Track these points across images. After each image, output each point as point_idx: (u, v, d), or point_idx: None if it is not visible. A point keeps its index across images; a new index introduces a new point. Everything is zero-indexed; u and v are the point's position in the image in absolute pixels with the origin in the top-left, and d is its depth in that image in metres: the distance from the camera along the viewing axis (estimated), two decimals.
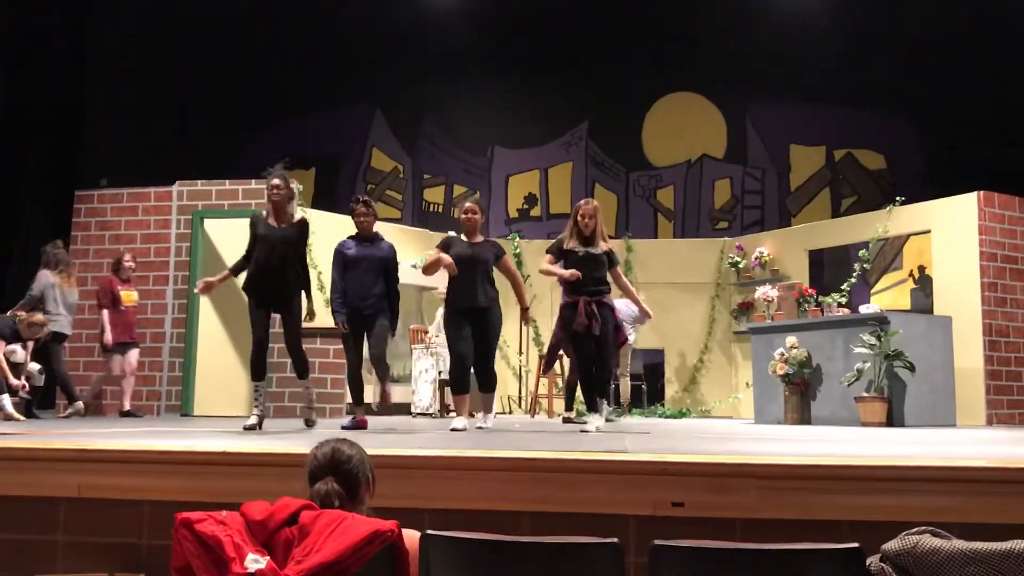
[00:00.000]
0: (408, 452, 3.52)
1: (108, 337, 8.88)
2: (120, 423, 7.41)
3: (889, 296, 12.37)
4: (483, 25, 13.95)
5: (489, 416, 6.76)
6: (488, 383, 6.72)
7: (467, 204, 6.86)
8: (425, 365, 10.41)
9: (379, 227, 10.78)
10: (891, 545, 2.25)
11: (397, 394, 9.96)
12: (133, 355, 9.13)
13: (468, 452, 3.53)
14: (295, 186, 6.93)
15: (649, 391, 11.82)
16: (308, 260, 10.11)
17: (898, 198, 10.77)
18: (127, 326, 9.03)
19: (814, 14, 13.23)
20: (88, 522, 3.54)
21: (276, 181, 6.49)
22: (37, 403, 8.73)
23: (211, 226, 10.33)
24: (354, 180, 14.70)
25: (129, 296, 9.08)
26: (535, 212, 14.46)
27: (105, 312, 8.93)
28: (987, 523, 3.00)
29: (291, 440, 4.39)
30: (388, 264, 6.82)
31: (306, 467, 2.50)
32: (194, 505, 2.66)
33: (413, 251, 10.91)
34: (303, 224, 6.61)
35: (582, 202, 6.58)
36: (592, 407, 6.45)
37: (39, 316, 8.47)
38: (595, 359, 6.31)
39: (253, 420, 6.24)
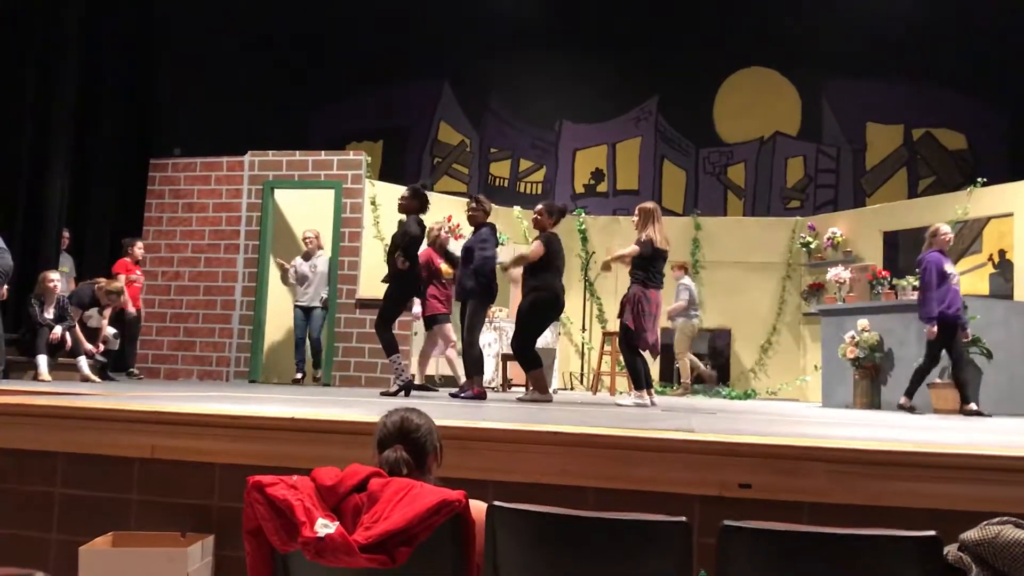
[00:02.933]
0: (474, 424, 3.52)
1: (416, 310, 8.78)
2: (193, 387, 7.59)
3: (967, 280, 12.00)
4: None
5: (529, 391, 7.28)
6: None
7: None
8: (488, 339, 10.44)
9: (444, 201, 10.92)
10: (971, 535, 2.18)
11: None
12: (448, 327, 8.91)
13: (534, 426, 3.53)
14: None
15: (715, 371, 11.70)
16: (376, 234, 10.23)
17: (979, 179, 10.44)
18: (448, 298, 8.82)
19: None
20: (161, 482, 3.63)
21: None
22: (112, 366, 8.98)
23: (281, 196, 10.48)
24: (421, 153, 14.77)
25: (448, 270, 8.87)
26: (601, 188, 14.34)
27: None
28: None
29: (360, 408, 4.44)
30: (463, 252, 7.47)
31: (375, 435, 2.52)
32: (264, 469, 2.70)
33: None
34: (401, 225, 7.40)
35: None
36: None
37: (117, 284, 8.69)
38: None
39: (394, 387, 7.15)
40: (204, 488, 3.59)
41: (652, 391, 7.21)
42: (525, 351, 7.16)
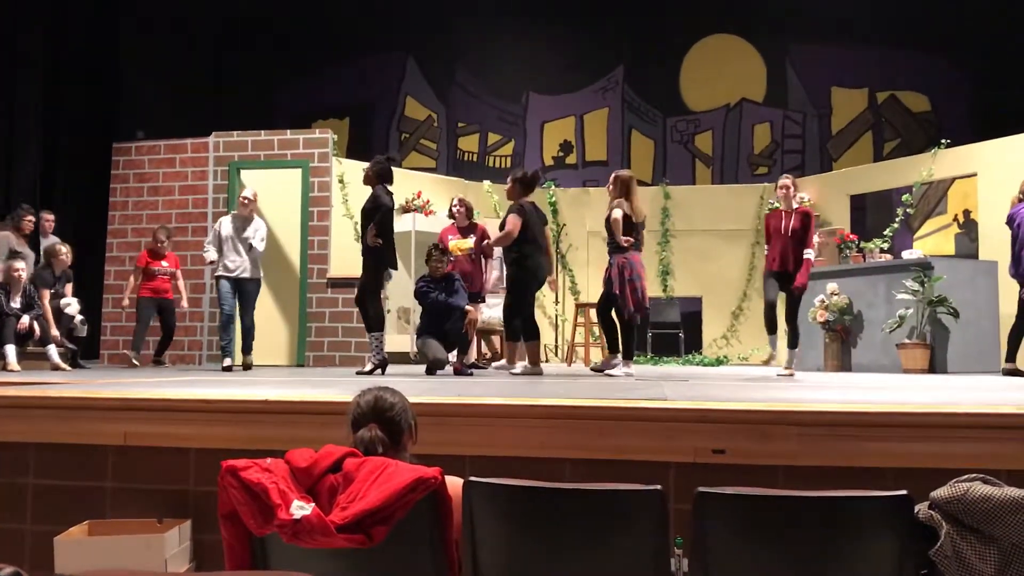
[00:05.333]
0: (449, 400, 3.53)
1: None
2: (166, 372, 7.53)
3: (933, 241, 12.16)
4: None
5: (519, 364, 7.29)
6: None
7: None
8: None
9: (413, 177, 10.90)
10: (941, 492, 2.22)
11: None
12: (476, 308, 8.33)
13: (508, 400, 3.54)
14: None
15: (686, 339, 11.78)
16: (346, 212, 10.13)
17: (943, 141, 10.53)
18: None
19: None
20: (135, 469, 3.60)
21: None
22: (82, 354, 8.89)
23: (247, 177, 10.36)
24: (388, 129, 14.65)
25: (457, 246, 8.44)
26: (570, 160, 14.31)
27: None
28: None
29: (333, 388, 4.43)
30: None
31: (349, 415, 2.51)
32: (239, 452, 2.69)
33: (447, 200, 10.86)
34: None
35: None
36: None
37: (62, 247, 8.57)
38: None
39: (369, 366, 7.20)
40: (179, 473, 3.58)
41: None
42: (511, 321, 7.33)
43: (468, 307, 7.55)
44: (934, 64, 12.99)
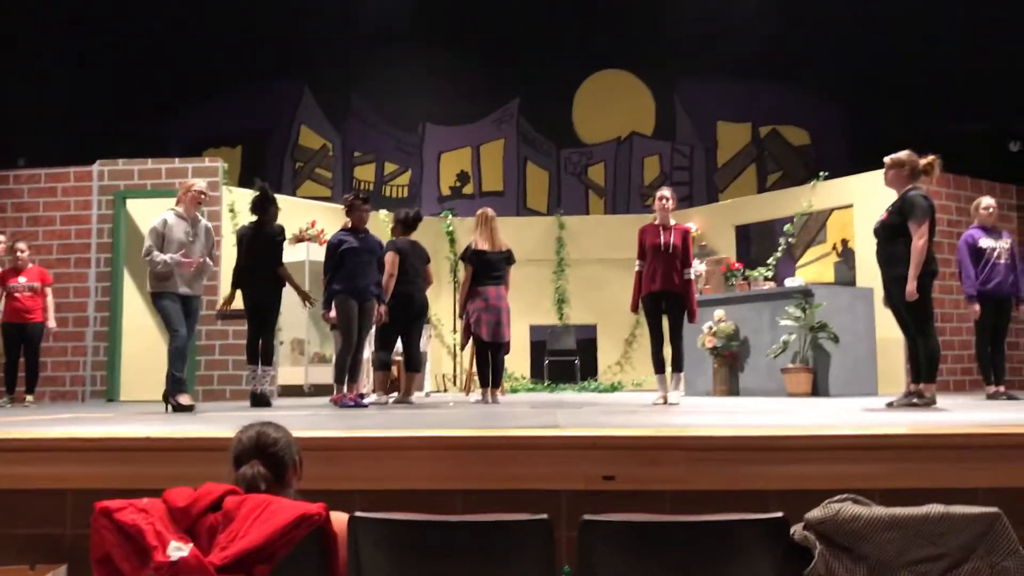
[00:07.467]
0: (336, 433, 3.47)
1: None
2: (45, 410, 7.20)
3: (814, 269, 12.64)
4: None
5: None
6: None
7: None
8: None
9: (307, 206, 10.82)
10: (814, 513, 2.30)
11: (322, 374, 9.92)
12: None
13: (398, 432, 3.51)
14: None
15: (582, 366, 11.93)
16: (235, 242, 9.94)
17: (821, 173, 11.00)
18: None
19: None
20: (6, 514, 3.42)
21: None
22: None
23: (134, 206, 10.06)
24: (282, 158, 14.47)
25: None
26: (467, 190, 14.40)
27: None
28: (909, 488, 3.07)
29: (216, 424, 4.31)
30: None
31: (231, 451, 2.45)
32: (119, 492, 2.59)
33: None
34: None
35: None
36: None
37: None
38: None
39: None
40: (55, 516, 3.41)
41: (492, 389, 7.77)
42: (379, 350, 7.75)
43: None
44: (813, 99, 13.60)
